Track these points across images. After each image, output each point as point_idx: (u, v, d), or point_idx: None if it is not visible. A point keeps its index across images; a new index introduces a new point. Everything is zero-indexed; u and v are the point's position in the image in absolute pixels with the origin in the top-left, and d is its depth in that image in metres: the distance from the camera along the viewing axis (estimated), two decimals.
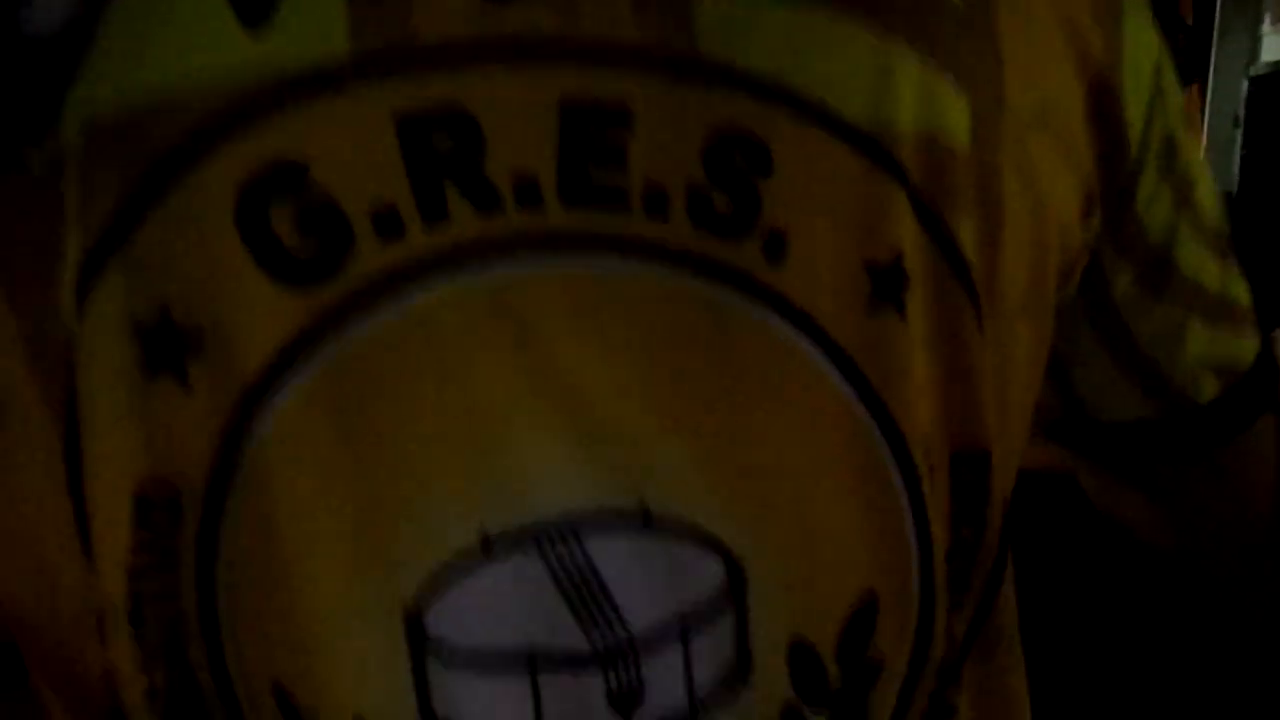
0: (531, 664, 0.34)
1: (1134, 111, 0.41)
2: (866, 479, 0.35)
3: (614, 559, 0.34)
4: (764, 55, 0.32)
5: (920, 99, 0.34)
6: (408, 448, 0.32)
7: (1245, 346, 0.48)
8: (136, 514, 0.32)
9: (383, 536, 0.32)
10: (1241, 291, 0.48)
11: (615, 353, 0.33)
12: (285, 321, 0.30)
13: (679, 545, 0.34)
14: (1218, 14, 2.20)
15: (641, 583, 0.34)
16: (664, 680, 0.35)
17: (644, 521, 0.34)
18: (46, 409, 0.31)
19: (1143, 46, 0.42)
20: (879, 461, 0.35)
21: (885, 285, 0.34)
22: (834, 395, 0.34)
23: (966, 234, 0.35)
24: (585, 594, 0.34)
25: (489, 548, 0.33)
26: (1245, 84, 2.10)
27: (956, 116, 0.35)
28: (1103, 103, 0.40)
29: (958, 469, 0.38)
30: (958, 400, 0.37)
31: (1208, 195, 0.46)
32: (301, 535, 0.32)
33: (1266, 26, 2.12)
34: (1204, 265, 0.46)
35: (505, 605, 0.33)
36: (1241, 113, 2.09)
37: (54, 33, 0.30)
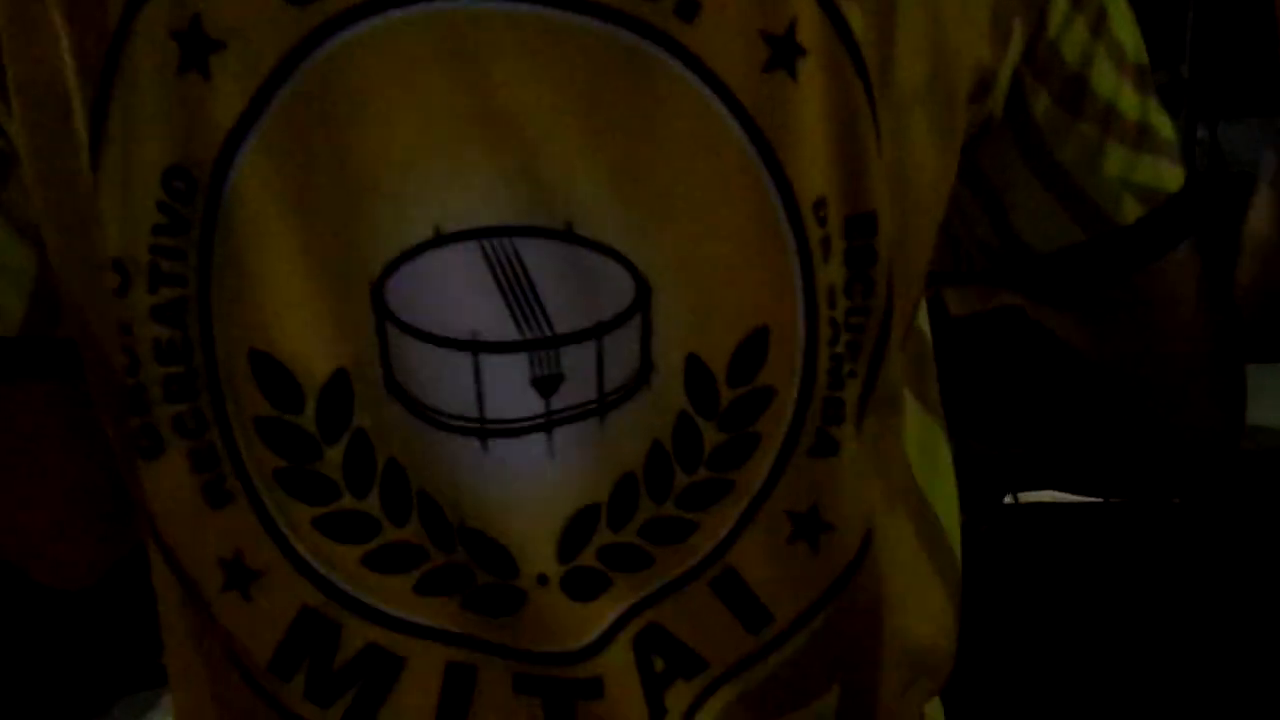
0: (473, 344, 0.42)
1: None
2: (760, 222, 0.42)
3: (542, 263, 0.42)
4: None
5: None
6: (376, 148, 0.40)
7: (1167, 174, 0.53)
8: (163, 188, 0.41)
9: (352, 220, 0.41)
10: (1165, 125, 0.53)
11: (550, 88, 0.41)
12: (291, 29, 0.39)
13: (597, 259, 0.42)
14: None
15: (564, 286, 0.42)
16: (579, 373, 0.43)
17: (568, 235, 0.41)
18: (84, 109, 0.41)
19: None
20: (770, 207, 0.42)
21: (780, 52, 0.41)
22: (733, 143, 0.41)
23: (856, 20, 0.42)
24: (517, 288, 0.42)
25: (440, 240, 0.41)
26: None
27: None
28: None
29: (850, 232, 0.44)
30: (849, 165, 0.43)
31: (1125, 31, 0.51)
32: (285, 212, 0.40)
33: None
34: (1120, 91, 0.51)
35: (450, 290, 0.41)
36: None
37: None
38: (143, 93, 0.40)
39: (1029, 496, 1.24)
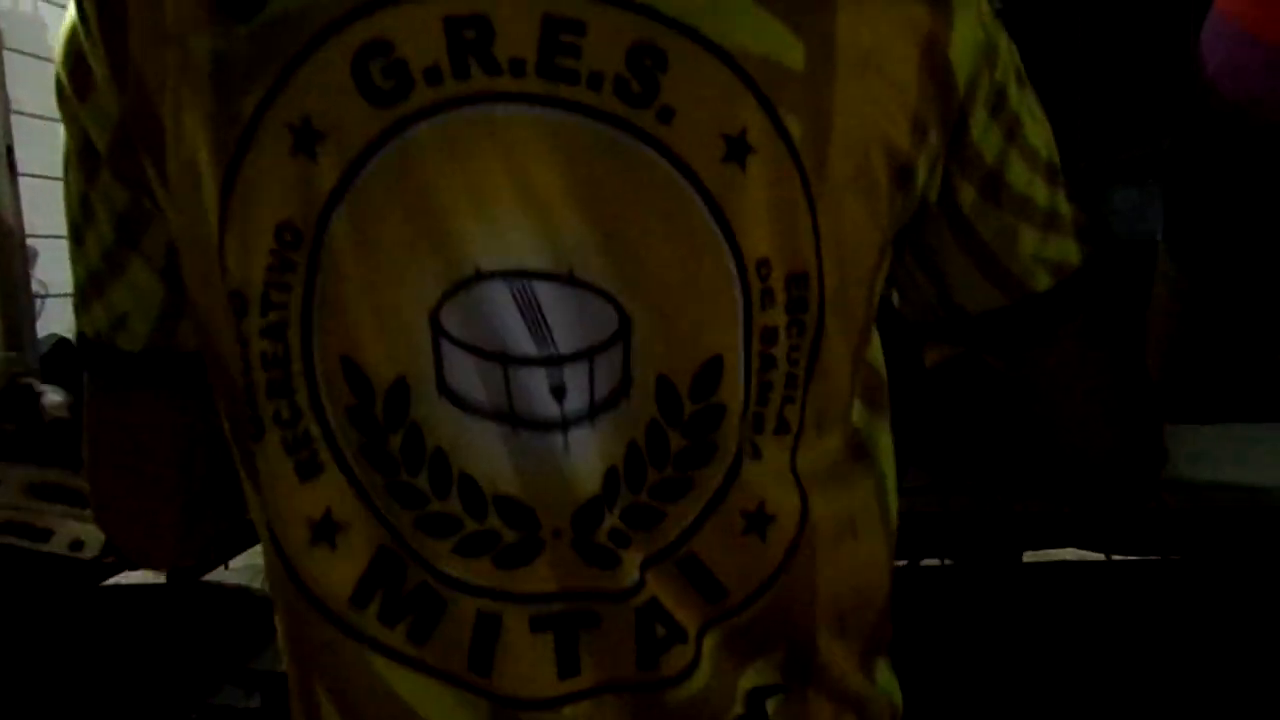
0: (504, 359, 0.56)
1: (961, 67, 0.60)
2: (716, 275, 0.56)
3: (550, 298, 0.56)
4: (670, 2, 0.54)
5: (767, 36, 0.55)
6: (435, 209, 0.55)
7: (1071, 250, 0.68)
8: (275, 238, 0.55)
9: (418, 261, 0.55)
10: (1071, 210, 0.67)
11: (561, 170, 0.55)
12: (374, 124, 0.54)
13: (590, 297, 0.56)
14: None
15: (565, 317, 0.56)
16: (576, 386, 0.56)
17: (569, 279, 0.56)
18: (216, 170, 0.55)
19: (970, 27, 0.60)
20: (725, 265, 0.56)
21: (734, 149, 0.55)
22: (698, 215, 0.55)
23: (795, 128, 0.56)
24: (533, 316, 0.56)
25: (479, 276, 0.55)
26: None
27: (792, 52, 0.56)
28: (933, 58, 0.59)
29: (788, 286, 0.58)
30: (787, 235, 0.57)
31: (1036, 135, 0.66)
32: (368, 255, 0.55)
33: None
34: (1032, 184, 0.66)
35: (487, 315, 0.55)
36: None
37: None
38: (264, 168, 0.55)
39: (1040, 555, 1.32)
